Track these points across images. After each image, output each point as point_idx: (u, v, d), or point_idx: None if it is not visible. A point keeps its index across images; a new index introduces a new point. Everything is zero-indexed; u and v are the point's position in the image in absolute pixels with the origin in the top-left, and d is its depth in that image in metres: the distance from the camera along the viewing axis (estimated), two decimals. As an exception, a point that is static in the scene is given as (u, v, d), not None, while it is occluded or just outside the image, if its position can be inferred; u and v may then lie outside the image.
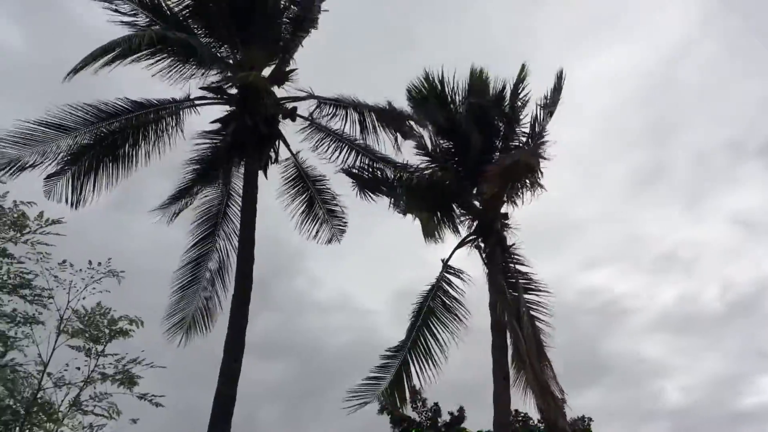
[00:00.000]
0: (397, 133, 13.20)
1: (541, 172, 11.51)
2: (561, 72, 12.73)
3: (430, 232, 12.99)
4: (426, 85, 13.19)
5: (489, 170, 11.80)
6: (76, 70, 10.35)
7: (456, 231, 13.24)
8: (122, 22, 12.35)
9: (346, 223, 14.78)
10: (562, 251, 35.07)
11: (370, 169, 13.65)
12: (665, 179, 38.72)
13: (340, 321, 36.01)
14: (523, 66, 13.00)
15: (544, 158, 12.08)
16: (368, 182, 13.65)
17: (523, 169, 11.39)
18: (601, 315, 35.08)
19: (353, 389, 11.45)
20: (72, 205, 11.63)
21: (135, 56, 11.27)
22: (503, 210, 12.59)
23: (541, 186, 11.66)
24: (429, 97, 13.25)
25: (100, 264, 12.70)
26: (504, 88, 13.21)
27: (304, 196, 14.55)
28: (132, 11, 12.42)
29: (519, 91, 13.05)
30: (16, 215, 12.13)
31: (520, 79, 12.99)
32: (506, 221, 12.50)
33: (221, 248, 13.81)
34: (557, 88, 12.69)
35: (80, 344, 12.25)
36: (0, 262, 11.90)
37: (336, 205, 14.62)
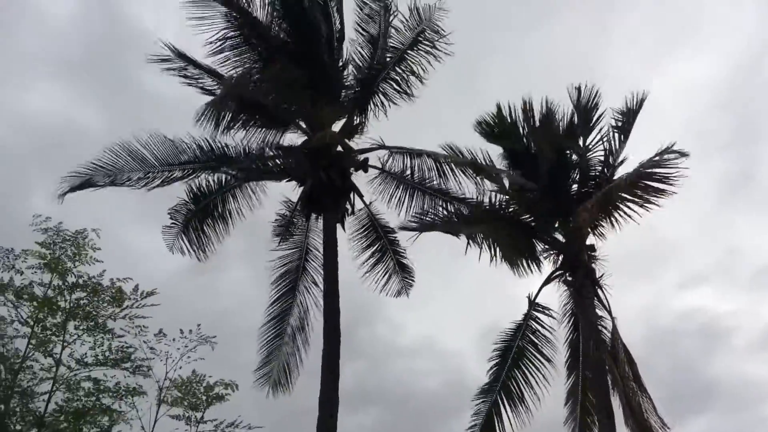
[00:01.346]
0: (474, 174, 13.06)
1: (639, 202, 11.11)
2: (637, 95, 12.56)
3: (511, 260, 12.82)
4: (496, 119, 13.14)
5: (584, 207, 11.42)
6: None
7: (538, 267, 13.01)
8: (188, 84, 13.00)
9: (414, 278, 14.74)
10: (657, 273, 33.75)
11: (444, 212, 13.57)
12: (755, 186, 36.84)
13: (426, 365, 35.10)
14: (594, 91, 12.84)
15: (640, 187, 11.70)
16: (435, 226, 13.55)
17: (617, 201, 11.09)
18: (702, 337, 33.07)
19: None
20: (198, 259, 12.96)
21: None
22: (589, 241, 12.30)
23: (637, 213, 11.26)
24: (499, 131, 13.21)
25: (191, 332, 13.15)
26: (573, 115, 13.09)
27: (376, 246, 14.60)
28: (199, 75, 13.02)
29: (591, 117, 12.87)
30: (114, 291, 12.75)
31: (592, 105, 12.81)
32: (593, 253, 12.19)
33: (301, 303, 14.05)
34: (632, 111, 12.48)
35: (180, 413, 12.55)
36: (102, 339, 12.44)
37: (405, 257, 14.62)
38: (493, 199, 13.07)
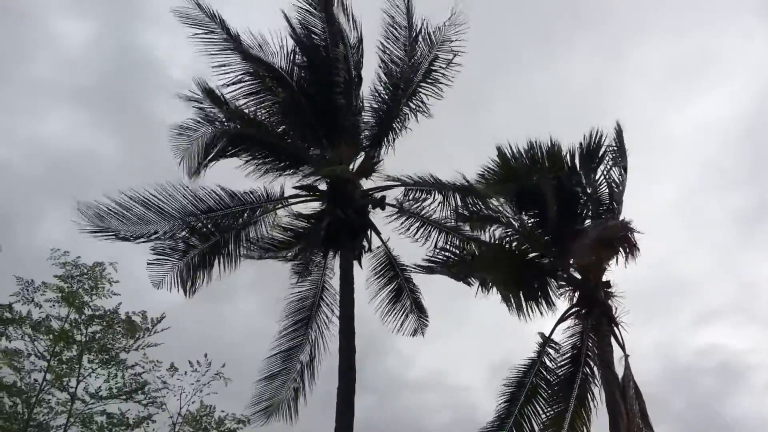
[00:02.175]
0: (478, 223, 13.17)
1: (633, 238, 11.35)
2: (619, 127, 12.94)
3: (518, 308, 12.91)
4: (500, 162, 13.36)
5: (577, 246, 11.67)
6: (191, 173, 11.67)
7: (550, 305, 13.08)
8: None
9: (428, 318, 14.70)
10: (673, 309, 33.38)
11: (456, 251, 13.68)
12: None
13: (436, 399, 34.61)
14: (596, 130, 12.98)
15: (628, 226, 11.97)
16: (446, 268, 13.63)
17: (612, 239, 11.30)
18: (720, 374, 32.26)
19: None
20: (186, 293, 12.33)
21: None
22: (605, 278, 12.38)
23: (637, 249, 11.45)
24: (504, 175, 13.36)
25: (199, 363, 13.13)
26: (575, 154, 13.30)
27: (393, 284, 14.52)
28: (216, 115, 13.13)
29: (594, 154, 13.05)
30: (127, 325, 12.84)
31: (593, 143, 13.03)
32: (609, 289, 12.26)
33: (312, 340, 14.03)
34: (619, 140, 12.78)
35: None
36: (115, 371, 12.46)
37: (421, 297, 14.55)
38: (504, 241, 13.16)
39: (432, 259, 13.59)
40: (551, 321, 12.96)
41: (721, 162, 36.23)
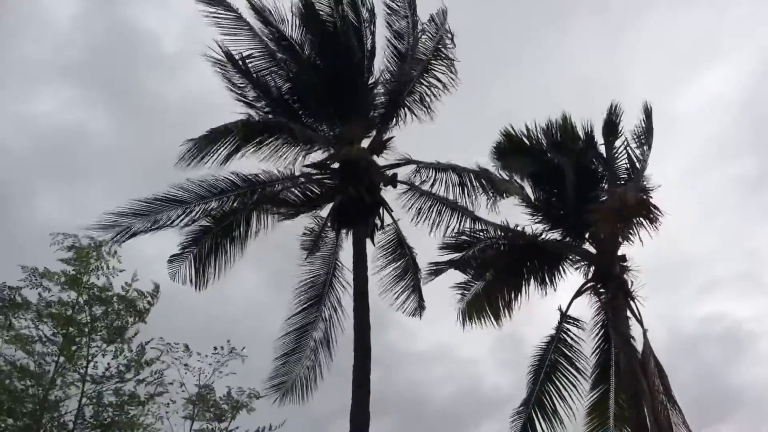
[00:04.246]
0: (496, 194, 12.91)
1: (655, 207, 11.30)
2: (647, 105, 13.11)
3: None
4: (512, 139, 13.36)
5: (599, 210, 11.64)
6: (188, 159, 11.32)
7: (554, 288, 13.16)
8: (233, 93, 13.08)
9: (425, 303, 14.61)
10: (677, 279, 32.89)
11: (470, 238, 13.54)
12: None
13: (441, 372, 34.11)
14: (613, 104, 13.21)
15: (649, 191, 11.99)
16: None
17: (635, 207, 11.25)
18: (726, 343, 32.26)
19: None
20: (197, 287, 12.02)
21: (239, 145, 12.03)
22: (620, 252, 12.36)
23: (659, 219, 11.41)
24: (515, 151, 13.40)
25: (222, 348, 13.02)
26: (592, 129, 13.35)
27: (399, 263, 14.43)
28: (242, 84, 13.14)
29: (613, 129, 13.14)
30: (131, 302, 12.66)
31: (613, 117, 13.08)
32: (625, 264, 12.23)
33: (326, 317, 13.93)
34: (648, 120, 12.81)
35: (205, 426, 12.34)
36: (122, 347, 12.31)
37: (421, 282, 14.36)
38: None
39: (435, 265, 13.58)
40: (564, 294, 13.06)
41: (723, 135, 36.34)
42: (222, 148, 11.69)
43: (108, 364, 12.05)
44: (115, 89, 32.08)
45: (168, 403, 12.04)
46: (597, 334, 12.70)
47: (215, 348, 12.39)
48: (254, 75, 12.88)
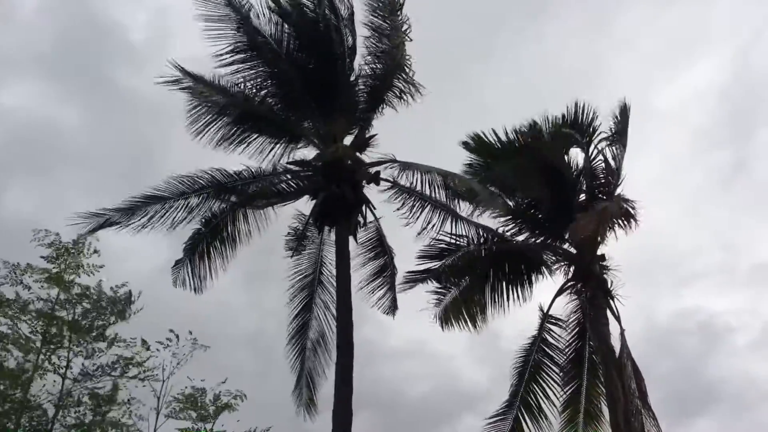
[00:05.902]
0: (478, 205, 12.93)
1: (634, 212, 11.45)
2: (624, 104, 12.97)
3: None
4: (483, 144, 13.13)
5: (579, 228, 11.63)
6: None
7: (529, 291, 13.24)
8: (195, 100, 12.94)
9: (398, 306, 14.52)
10: (653, 271, 33.45)
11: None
12: (746, 179, 37.01)
13: (416, 368, 34.54)
14: (578, 104, 12.84)
15: (628, 201, 12.05)
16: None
17: (616, 216, 11.39)
18: (701, 336, 32.96)
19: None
20: (195, 290, 12.13)
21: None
22: (599, 252, 12.46)
23: (637, 221, 11.55)
24: (488, 156, 13.23)
25: (177, 337, 13.01)
26: (570, 126, 13.17)
27: (378, 261, 14.37)
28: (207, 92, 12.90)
29: (586, 128, 12.89)
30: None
31: (583, 117, 12.86)
32: (604, 263, 12.36)
33: (319, 316, 13.98)
34: (624, 118, 12.81)
35: (189, 426, 12.35)
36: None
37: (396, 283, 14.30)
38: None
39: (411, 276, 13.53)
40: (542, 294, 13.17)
41: (703, 130, 36.69)
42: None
43: (82, 364, 12.05)
44: (83, 79, 31.63)
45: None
46: (572, 332, 12.77)
47: (168, 339, 12.42)
48: (219, 84, 12.88)
